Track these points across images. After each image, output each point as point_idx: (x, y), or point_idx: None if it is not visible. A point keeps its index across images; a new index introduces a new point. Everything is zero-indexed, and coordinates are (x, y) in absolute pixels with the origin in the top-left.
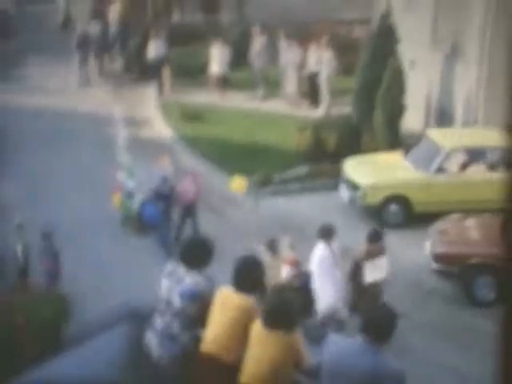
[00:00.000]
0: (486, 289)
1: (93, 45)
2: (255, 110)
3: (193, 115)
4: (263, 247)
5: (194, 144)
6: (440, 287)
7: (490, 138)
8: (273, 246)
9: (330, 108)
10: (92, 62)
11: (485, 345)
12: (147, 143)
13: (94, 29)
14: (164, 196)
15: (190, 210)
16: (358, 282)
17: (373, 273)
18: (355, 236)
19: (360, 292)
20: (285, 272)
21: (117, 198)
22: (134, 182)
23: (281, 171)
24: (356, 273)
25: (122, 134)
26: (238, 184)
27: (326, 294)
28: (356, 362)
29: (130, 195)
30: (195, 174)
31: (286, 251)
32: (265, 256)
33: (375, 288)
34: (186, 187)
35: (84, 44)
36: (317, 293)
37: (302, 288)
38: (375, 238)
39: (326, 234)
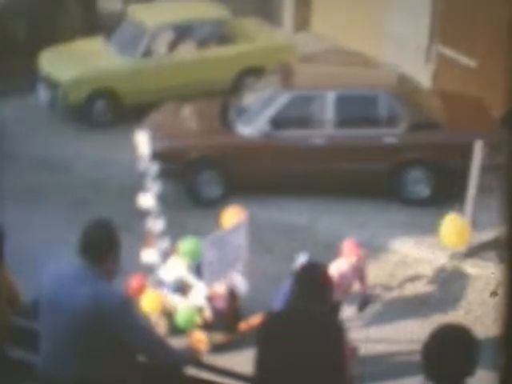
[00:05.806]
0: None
1: None
2: None
3: None
4: None
5: None
6: (162, 190)
7: (199, 10)
8: None
9: None
10: None
11: None
12: None
13: None
14: None
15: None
16: None
17: None
18: (53, 144)
19: None
20: None
21: (152, 298)
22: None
23: None
24: None
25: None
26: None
27: None
28: (73, 291)
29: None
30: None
31: None
32: None
33: None
34: (343, 273)
35: None
36: None
37: None
38: None
39: None
